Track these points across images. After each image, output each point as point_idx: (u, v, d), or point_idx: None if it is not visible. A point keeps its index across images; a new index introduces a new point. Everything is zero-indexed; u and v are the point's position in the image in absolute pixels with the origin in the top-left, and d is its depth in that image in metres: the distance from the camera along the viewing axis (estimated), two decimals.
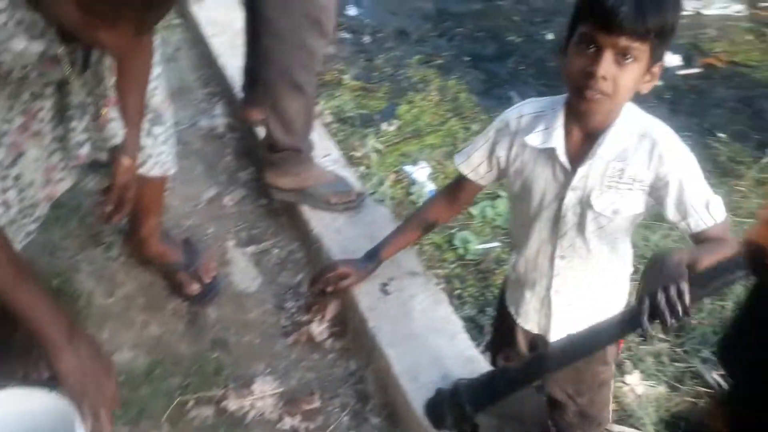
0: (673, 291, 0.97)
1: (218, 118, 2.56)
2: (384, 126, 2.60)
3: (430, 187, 2.32)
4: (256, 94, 2.13)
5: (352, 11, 3.42)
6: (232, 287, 1.93)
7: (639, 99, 1.14)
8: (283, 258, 2.04)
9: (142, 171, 1.56)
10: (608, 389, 1.47)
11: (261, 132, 2.16)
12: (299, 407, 1.61)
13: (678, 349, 1.83)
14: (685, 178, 1.12)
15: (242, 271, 1.98)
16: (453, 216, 1.50)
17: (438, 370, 1.52)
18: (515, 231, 1.33)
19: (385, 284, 1.74)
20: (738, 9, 3.50)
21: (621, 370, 1.74)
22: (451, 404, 1.34)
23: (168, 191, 1.90)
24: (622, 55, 1.03)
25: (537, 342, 1.39)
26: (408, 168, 2.39)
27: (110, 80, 1.39)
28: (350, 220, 1.97)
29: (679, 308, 0.97)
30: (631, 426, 1.66)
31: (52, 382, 1.23)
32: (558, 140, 1.15)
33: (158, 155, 1.62)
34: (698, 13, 3.43)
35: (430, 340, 1.60)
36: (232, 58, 2.54)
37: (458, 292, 1.97)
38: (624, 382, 1.73)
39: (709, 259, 1.01)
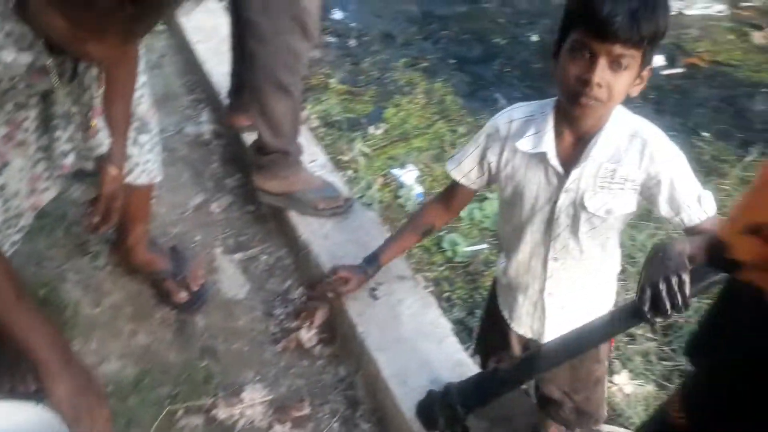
0: (674, 281, 0.99)
1: (204, 125, 2.55)
2: (371, 129, 2.61)
3: (417, 190, 2.32)
4: (243, 100, 2.13)
5: (337, 15, 3.42)
6: (221, 295, 1.92)
7: (625, 100, 1.16)
8: (271, 264, 2.03)
9: (128, 179, 1.56)
10: (603, 386, 1.49)
11: (247, 138, 2.16)
12: (289, 414, 1.61)
13: (666, 348, 1.85)
14: (676, 175, 1.14)
15: (230, 279, 1.97)
16: (448, 220, 1.50)
17: (427, 374, 1.52)
18: (506, 235, 1.33)
19: (373, 289, 1.74)
20: (720, 9, 3.54)
21: (610, 370, 1.75)
22: (442, 405, 1.34)
23: (154, 199, 1.89)
24: (616, 62, 1.04)
25: (530, 346, 1.40)
26: (396, 171, 2.39)
27: (96, 90, 1.38)
28: (338, 225, 1.97)
29: (680, 299, 0.98)
30: (621, 425, 1.67)
31: (40, 395, 1.22)
32: (549, 144, 1.16)
33: (145, 163, 1.61)
34: (680, 13, 3.46)
35: (418, 344, 1.60)
36: (217, 65, 2.53)
37: (447, 294, 1.98)
38: (612, 382, 1.74)
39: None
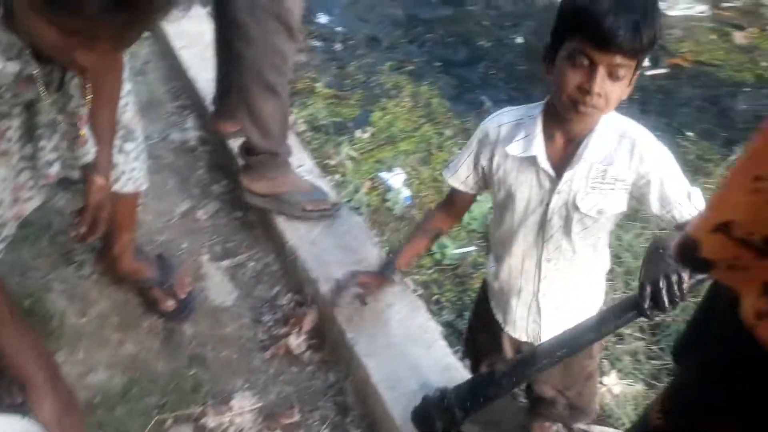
0: (674, 279, 1.02)
1: (190, 131, 2.54)
2: (358, 133, 2.60)
3: (405, 194, 2.32)
4: (228, 106, 2.13)
5: (322, 19, 3.42)
6: (208, 302, 1.91)
7: None
8: (258, 271, 2.02)
9: (115, 188, 1.55)
10: (595, 381, 1.51)
11: (233, 144, 2.15)
12: (279, 422, 1.60)
13: (654, 347, 1.86)
14: (665, 174, 1.15)
15: (218, 286, 1.97)
16: (454, 224, 1.51)
17: (416, 379, 1.52)
18: (498, 239, 1.33)
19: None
20: (701, 9, 3.57)
21: (599, 371, 1.76)
22: (440, 410, 1.34)
23: (140, 206, 1.88)
24: (614, 72, 1.04)
25: (522, 349, 1.40)
26: (383, 175, 2.39)
27: (80, 98, 1.37)
28: (325, 231, 1.96)
29: (678, 295, 1.02)
30: (611, 426, 1.68)
31: (25, 407, 1.21)
32: (539, 148, 1.17)
33: (131, 171, 1.61)
34: (663, 14, 3.49)
35: (408, 349, 1.60)
36: (202, 71, 2.52)
37: (436, 297, 1.98)
38: (602, 383, 1.75)
39: None
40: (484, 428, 1.34)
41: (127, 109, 1.56)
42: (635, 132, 1.16)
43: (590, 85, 1.04)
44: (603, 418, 1.69)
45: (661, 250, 1.06)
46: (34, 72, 1.12)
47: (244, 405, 1.63)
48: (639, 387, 1.76)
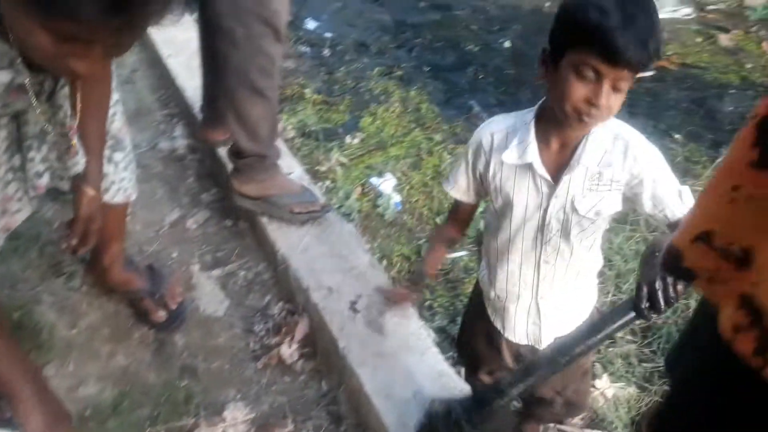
0: (669, 280, 1.04)
1: (178, 140, 2.52)
2: (348, 139, 2.60)
3: (396, 199, 2.32)
4: (215, 114, 2.12)
5: (310, 25, 3.42)
6: (199, 312, 1.90)
7: None
8: (249, 280, 2.02)
9: (104, 199, 1.54)
10: (589, 377, 1.54)
11: (222, 152, 2.14)
12: None
13: (646, 350, 1.87)
14: (657, 174, 1.16)
15: (209, 295, 1.95)
16: (464, 231, 1.51)
17: (410, 387, 1.52)
18: (496, 247, 1.33)
19: (353, 302, 1.73)
20: (686, 12, 3.60)
21: (591, 375, 1.77)
22: (447, 425, 1.34)
23: (129, 216, 1.86)
24: (617, 84, 1.05)
25: (522, 352, 1.41)
26: (374, 180, 2.39)
27: (69, 108, 1.37)
28: (316, 238, 1.96)
29: (674, 297, 1.04)
30: (604, 430, 1.68)
31: (15, 422, 1.20)
32: (534, 155, 1.17)
33: (120, 181, 1.60)
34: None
35: (400, 357, 1.60)
36: (190, 79, 2.51)
37: (428, 302, 1.98)
38: (594, 386, 1.75)
39: None
40: None
41: (116, 119, 1.55)
42: (628, 133, 1.17)
43: (597, 99, 1.05)
44: (596, 422, 1.69)
45: (656, 253, 1.07)
46: (26, 81, 1.11)
47: (236, 416, 1.62)
48: (631, 390, 1.77)
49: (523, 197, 1.22)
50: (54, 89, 1.26)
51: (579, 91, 1.05)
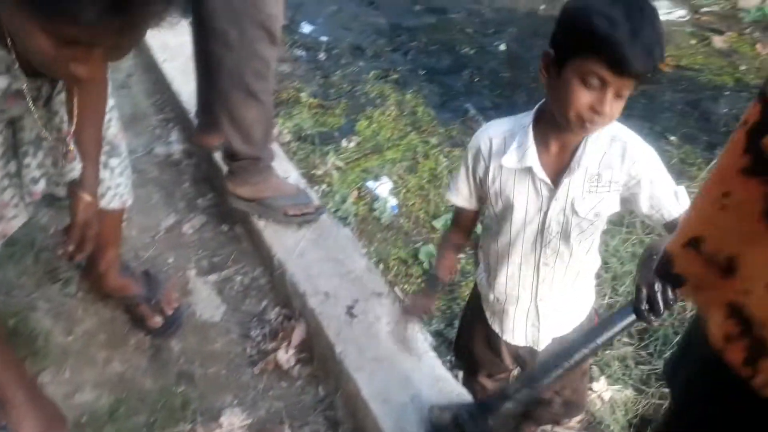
0: (668, 284, 1.05)
1: (174, 145, 2.52)
2: (344, 143, 2.60)
3: (392, 202, 2.32)
4: (211, 119, 2.11)
5: (306, 29, 3.42)
6: (196, 318, 1.90)
7: None
8: (246, 285, 2.01)
9: (101, 204, 1.53)
10: (587, 377, 1.56)
11: (218, 157, 2.14)
12: None
13: (642, 352, 1.87)
14: (654, 175, 1.17)
15: (205, 301, 1.95)
16: (470, 236, 1.50)
17: (407, 392, 1.52)
18: (495, 250, 1.33)
19: (350, 307, 1.73)
20: (681, 14, 3.62)
21: (588, 377, 1.77)
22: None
23: (125, 222, 1.86)
24: (622, 92, 1.06)
25: (521, 353, 1.42)
26: (370, 184, 2.39)
27: (65, 114, 1.36)
28: (313, 243, 1.96)
29: (672, 299, 1.07)
30: None
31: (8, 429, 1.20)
32: (533, 159, 1.18)
33: (116, 187, 1.60)
34: None
35: (397, 361, 1.60)
36: (185, 83, 2.50)
37: None
38: (591, 389, 1.75)
39: None
40: None
41: (111, 125, 1.55)
42: (625, 135, 1.18)
43: (601, 107, 1.05)
44: (594, 425, 1.69)
45: (654, 256, 1.08)
46: (23, 87, 1.11)
47: (233, 422, 1.62)
48: (628, 393, 1.77)
49: (524, 201, 1.22)
50: (51, 95, 1.26)
51: (583, 98, 1.06)
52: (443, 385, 1.54)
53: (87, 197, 1.44)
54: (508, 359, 1.44)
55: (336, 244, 1.96)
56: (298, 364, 1.76)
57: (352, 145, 2.60)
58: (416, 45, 3.35)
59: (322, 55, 3.21)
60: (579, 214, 1.20)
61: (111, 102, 1.52)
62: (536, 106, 1.20)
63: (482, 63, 3.21)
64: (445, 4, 3.74)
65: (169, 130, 2.61)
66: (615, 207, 1.21)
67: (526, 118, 1.20)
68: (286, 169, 2.22)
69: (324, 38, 3.35)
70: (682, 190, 1.20)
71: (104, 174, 1.54)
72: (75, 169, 1.42)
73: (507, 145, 1.21)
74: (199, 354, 1.80)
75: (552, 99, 1.13)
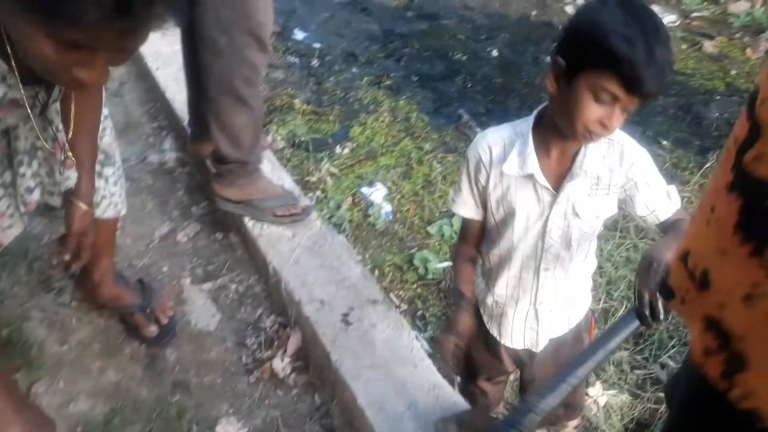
0: None
1: (168, 153, 2.52)
2: (338, 149, 2.60)
3: (387, 208, 2.32)
4: (204, 128, 2.11)
5: (299, 35, 3.42)
6: (191, 326, 1.89)
7: None
8: (241, 293, 2.01)
9: (96, 214, 1.53)
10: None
11: (211, 165, 2.14)
12: None
13: (638, 356, 1.87)
14: (649, 177, 1.19)
15: (200, 309, 1.94)
16: (480, 246, 1.50)
17: (404, 400, 1.52)
18: (495, 257, 1.33)
19: (345, 314, 1.73)
20: (672, 19, 3.64)
21: (585, 382, 1.77)
22: None
23: (119, 230, 1.86)
24: (629, 107, 1.07)
25: (521, 355, 1.42)
26: (364, 190, 2.39)
27: (59, 123, 1.36)
28: (308, 251, 1.95)
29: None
30: None
31: None
32: (534, 166, 1.18)
33: (111, 196, 1.60)
34: None
35: (394, 369, 1.59)
36: (178, 92, 2.50)
37: (421, 312, 1.98)
38: (587, 395, 1.76)
39: None
40: None
41: (106, 134, 1.55)
42: (622, 138, 1.19)
43: (610, 121, 1.06)
44: (589, 430, 1.70)
45: (654, 264, 1.10)
46: (19, 96, 1.11)
47: (229, 430, 1.61)
48: (624, 397, 1.77)
49: (525, 207, 1.23)
50: (47, 103, 1.26)
51: (594, 112, 1.06)
52: (439, 392, 1.54)
53: (83, 206, 1.43)
54: (507, 361, 1.44)
55: (331, 252, 1.95)
56: (294, 373, 1.76)
57: (346, 151, 2.60)
58: (409, 51, 3.36)
59: (315, 62, 3.21)
60: (580, 217, 1.21)
61: (105, 111, 1.53)
62: (535, 112, 1.20)
63: (475, 69, 3.22)
64: (438, 11, 3.76)
65: (163, 138, 2.60)
66: (613, 209, 1.22)
67: (524, 124, 1.21)
68: (280, 176, 2.22)
69: (317, 45, 3.35)
70: (673, 189, 1.22)
71: (99, 183, 1.54)
72: (70, 178, 1.42)
73: (507, 153, 1.21)
74: (195, 363, 1.79)
75: (558, 108, 1.13)
